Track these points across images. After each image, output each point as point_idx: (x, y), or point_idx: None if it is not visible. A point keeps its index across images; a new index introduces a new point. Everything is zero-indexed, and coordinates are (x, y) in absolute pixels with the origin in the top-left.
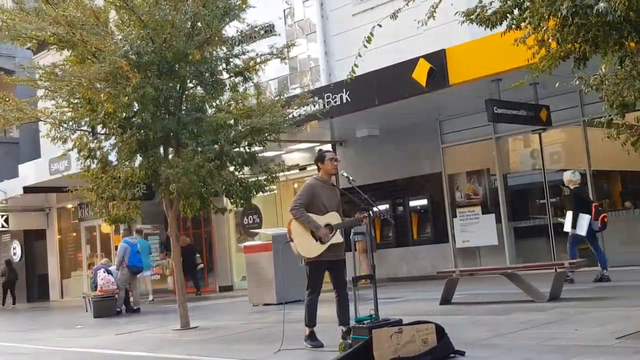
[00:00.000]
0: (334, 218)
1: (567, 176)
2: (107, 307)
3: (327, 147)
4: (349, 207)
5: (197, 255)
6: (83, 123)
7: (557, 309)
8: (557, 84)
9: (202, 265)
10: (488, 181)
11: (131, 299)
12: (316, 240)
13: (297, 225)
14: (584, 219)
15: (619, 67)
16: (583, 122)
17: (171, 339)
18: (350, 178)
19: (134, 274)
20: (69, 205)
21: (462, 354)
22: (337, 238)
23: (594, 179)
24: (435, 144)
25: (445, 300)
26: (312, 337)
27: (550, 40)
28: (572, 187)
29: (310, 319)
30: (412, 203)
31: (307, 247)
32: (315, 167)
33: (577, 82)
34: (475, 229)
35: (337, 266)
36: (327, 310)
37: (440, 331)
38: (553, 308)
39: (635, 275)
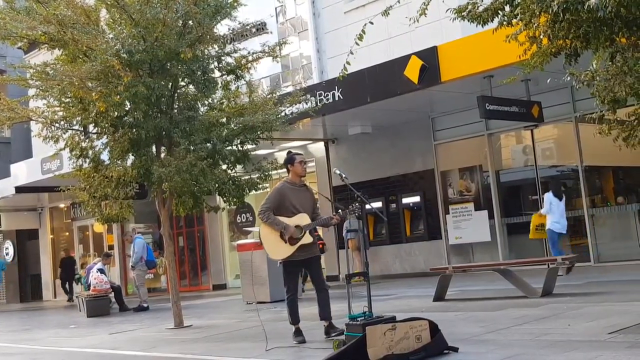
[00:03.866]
0: (303, 219)
1: None
2: (101, 307)
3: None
4: (342, 204)
5: (76, 266)
6: (75, 122)
7: (550, 305)
8: (548, 80)
9: (78, 276)
10: (481, 178)
11: (126, 300)
12: (285, 242)
13: (264, 228)
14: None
15: (610, 62)
16: (575, 118)
17: (165, 338)
18: (343, 175)
19: (150, 269)
20: (62, 205)
21: (456, 350)
22: (307, 239)
23: (586, 175)
24: (428, 141)
25: (439, 296)
26: (297, 333)
27: (541, 37)
28: None
29: (293, 317)
30: (405, 200)
31: (275, 249)
32: (285, 169)
33: (569, 78)
34: (468, 226)
35: (311, 264)
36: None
37: (434, 327)
38: (546, 303)
39: (627, 270)
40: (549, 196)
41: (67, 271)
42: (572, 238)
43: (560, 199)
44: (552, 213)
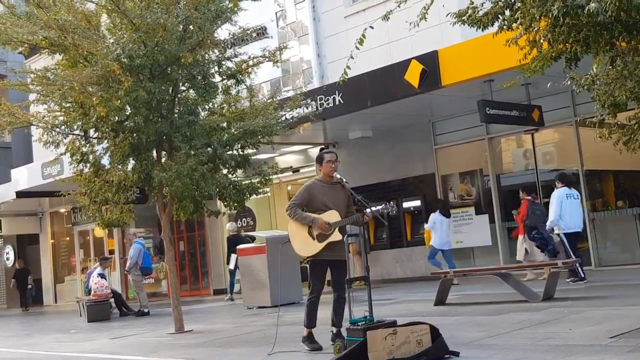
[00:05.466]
0: (332, 216)
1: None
2: (101, 312)
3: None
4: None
5: (30, 277)
6: (75, 127)
7: (551, 309)
8: (549, 84)
9: (30, 286)
10: (481, 182)
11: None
12: (313, 239)
13: (293, 224)
14: None
15: (610, 67)
16: (575, 122)
17: (166, 343)
18: (344, 180)
19: (145, 276)
20: (62, 210)
21: (457, 354)
22: (336, 236)
23: (586, 179)
24: (428, 145)
25: (440, 301)
26: (310, 339)
27: (541, 41)
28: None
29: (310, 320)
30: (406, 204)
31: (304, 246)
32: (315, 167)
33: (569, 82)
34: (469, 230)
35: (337, 266)
36: (324, 312)
37: (434, 332)
38: (547, 308)
39: (628, 274)
40: (434, 215)
41: (20, 282)
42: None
43: (448, 217)
44: (435, 230)
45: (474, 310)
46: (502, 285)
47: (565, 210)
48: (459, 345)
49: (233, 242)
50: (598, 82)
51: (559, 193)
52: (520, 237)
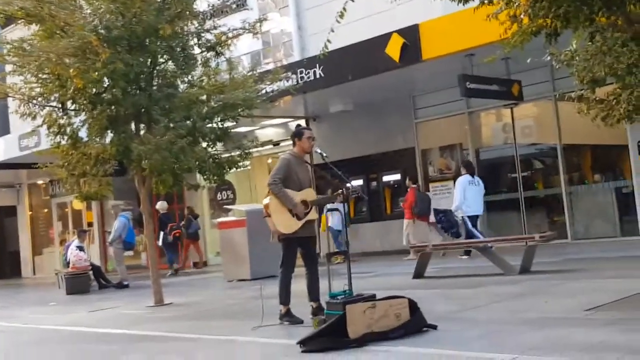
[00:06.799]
0: (309, 194)
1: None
2: (80, 284)
3: (303, 122)
4: (322, 183)
5: None
6: (52, 99)
7: (528, 282)
8: (528, 60)
9: None
10: (461, 156)
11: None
12: (293, 216)
13: (275, 200)
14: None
15: (590, 42)
16: (554, 97)
17: (146, 316)
18: (324, 154)
19: (127, 250)
20: (40, 182)
21: (435, 327)
22: (313, 215)
23: (564, 153)
24: (409, 119)
25: (418, 274)
26: (289, 315)
27: (522, 16)
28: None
29: (285, 297)
30: (386, 178)
31: (286, 223)
32: (291, 142)
33: (549, 57)
34: (449, 203)
35: (308, 242)
36: (298, 285)
37: (413, 306)
38: (524, 281)
39: (604, 247)
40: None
41: None
42: (550, 215)
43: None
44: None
45: (452, 283)
46: (480, 258)
47: (468, 195)
48: (437, 319)
49: (163, 220)
50: (577, 58)
51: (463, 180)
52: (405, 222)
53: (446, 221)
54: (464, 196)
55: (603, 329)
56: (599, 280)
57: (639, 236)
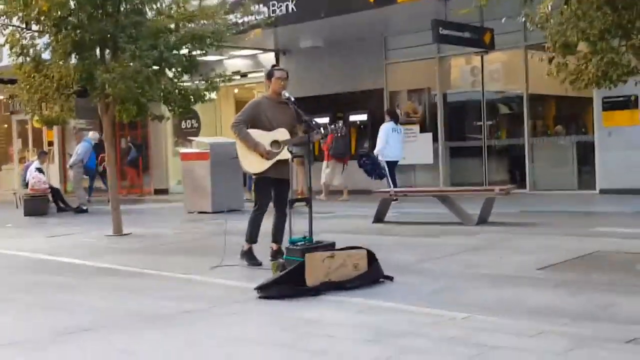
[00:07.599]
0: (282, 134)
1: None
2: (38, 206)
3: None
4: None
5: None
6: (16, 19)
7: (485, 234)
8: (503, 20)
9: None
10: (428, 100)
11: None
12: (262, 157)
13: (240, 142)
14: None
15: (565, 6)
16: (525, 47)
17: (104, 246)
18: (292, 98)
19: (86, 175)
20: (0, 97)
21: (391, 279)
22: (284, 154)
23: (530, 102)
24: (379, 60)
25: (378, 218)
26: (249, 255)
27: None
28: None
29: (252, 236)
30: (352, 118)
31: (251, 162)
32: (265, 84)
33: (523, 18)
34: (413, 147)
35: (281, 185)
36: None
37: (371, 257)
38: (481, 232)
39: (561, 199)
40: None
41: None
42: (511, 164)
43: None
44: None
45: (411, 231)
46: (440, 205)
47: (390, 141)
48: (393, 269)
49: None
50: (551, 22)
51: (387, 126)
52: (324, 163)
53: (370, 164)
54: (387, 141)
55: (553, 291)
56: (554, 237)
57: (596, 190)
